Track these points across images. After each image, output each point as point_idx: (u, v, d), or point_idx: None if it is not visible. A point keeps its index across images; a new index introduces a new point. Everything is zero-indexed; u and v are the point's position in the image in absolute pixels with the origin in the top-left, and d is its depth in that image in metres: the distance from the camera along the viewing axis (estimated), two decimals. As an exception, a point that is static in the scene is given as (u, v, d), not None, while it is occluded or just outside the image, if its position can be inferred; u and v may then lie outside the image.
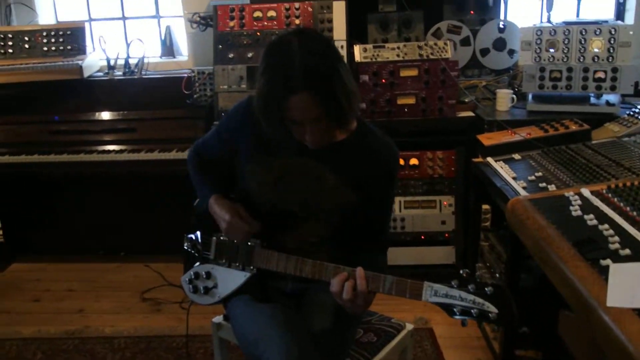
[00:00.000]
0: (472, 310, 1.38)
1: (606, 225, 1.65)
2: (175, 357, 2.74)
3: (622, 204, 1.76)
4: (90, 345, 2.86)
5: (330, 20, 3.28)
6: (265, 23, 3.29)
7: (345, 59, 3.20)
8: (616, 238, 1.58)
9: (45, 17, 4.00)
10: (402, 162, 3.23)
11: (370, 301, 1.55)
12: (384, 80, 3.12)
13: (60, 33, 3.64)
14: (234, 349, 2.46)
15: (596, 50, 2.92)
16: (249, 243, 1.76)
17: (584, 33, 2.92)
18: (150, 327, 3.02)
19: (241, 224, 1.74)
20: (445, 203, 3.27)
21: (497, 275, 2.59)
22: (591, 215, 1.72)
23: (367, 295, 1.52)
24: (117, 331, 2.98)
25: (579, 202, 1.84)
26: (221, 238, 1.84)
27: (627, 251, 1.50)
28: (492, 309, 1.36)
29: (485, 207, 2.98)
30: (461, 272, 1.42)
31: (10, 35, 3.63)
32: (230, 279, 1.81)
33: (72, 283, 3.56)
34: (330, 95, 1.51)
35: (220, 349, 2.04)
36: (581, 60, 2.94)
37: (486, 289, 1.38)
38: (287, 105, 1.50)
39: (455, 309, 1.40)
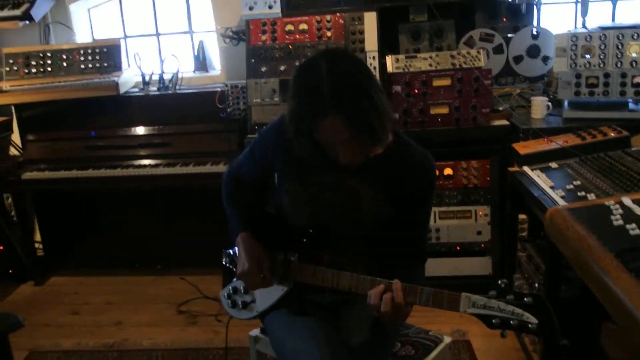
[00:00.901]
0: (511, 321, 1.36)
1: (649, 235, 1.61)
2: (212, 370, 2.76)
3: (665, 213, 1.72)
4: (128, 357, 2.90)
5: (361, 32, 3.28)
6: (297, 36, 3.31)
7: (377, 70, 3.22)
8: (660, 248, 1.54)
9: (82, 35, 4.10)
10: (436, 172, 3.20)
11: (408, 314, 1.54)
12: (416, 91, 3.11)
13: (97, 51, 3.72)
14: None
15: (634, 55, 2.86)
16: (288, 257, 1.76)
17: (620, 38, 2.87)
18: (186, 339, 3.05)
19: (256, 278, 1.76)
20: (480, 213, 3.23)
21: (536, 286, 2.54)
22: (633, 225, 1.68)
23: (405, 308, 1.51)
24: (155, 344, 3.01)
25: (621, 211, 1.80)
26: None
27: (672, 261, 1.47)
28: (532, 319, 1.34)
29: (522, 216, 2.93)
30: (499, 282, 1.40)
31: (49, 54, 3.72)
32: (268, 293, 1.81)
33: (110, 296, 3.61)
34: (360, 116, 1.51)
35: (257, 361, 2.04)
36: (618, 65, 2.88)
37: (525, 299, 1.36)
38: (317, 127, 1.52)
39: (494, 320, 1.38)
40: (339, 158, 1.62)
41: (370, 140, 1.57)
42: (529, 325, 1.34)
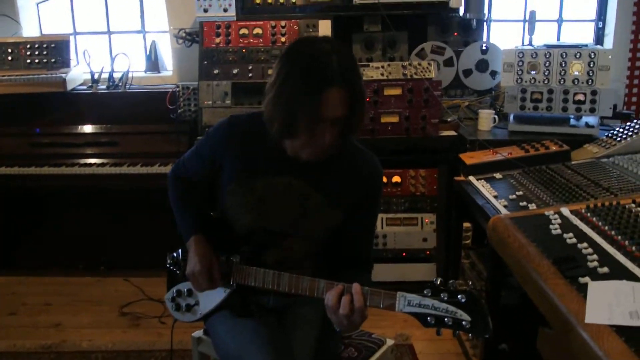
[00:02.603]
0: (445, 319, 1.37)
1: (585, 244, 1.68)
2: (154, 373, 2.72)
3: (600, 223, 1.79)
4: (67, 359, 2.81)
5: (315, 38, 3.30)
6: (251, 40, 3.31)
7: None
8: (595, 256, 1.60)
9: (29, 29, 3.98)
10: (385, 179, 3.23)
11: (366, 317, 1.51)
12: (368, 99, 3.14)
13: (45, 46, 3.63)
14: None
15: (576, 73, 2.98)
16: (230, 258, 1.75)
17: (564, 56, 2.99)
18: (128, 341, 2.98)
19: (204, 283, 1.74)
20: (427, 220, 3.29)
21: (478, 292, 2.60)
22: (571, 234, 1.75)
23: (364, 311, 1.49)
24: (95, 345, 2.94)
25: (559, 220, 1.87)
26: None
27: (605, 269, 1.53)
28: (466, 317, 1.35)
29: (466, 225, 3.01)
30: (434, 280, 1.41)
31: (-7, 47, 3.61)
32: (211, 295, 1.80)
33: (50, 297, 3.50)
34: (360, 96, 1.56)
35: (200, 363, 2.02)
36: (561, 82, 3.00)
37: (459, 296, 1.36)
38: (321, 99, 1.50)
39: (429, 318, 1.39)
40: (308, 150, 1.61)
41: (356, 124, 1.61)
42: (463, 323, 1.35)
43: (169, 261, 1.96)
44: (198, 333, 2.00)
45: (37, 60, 3.61)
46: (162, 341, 2.95)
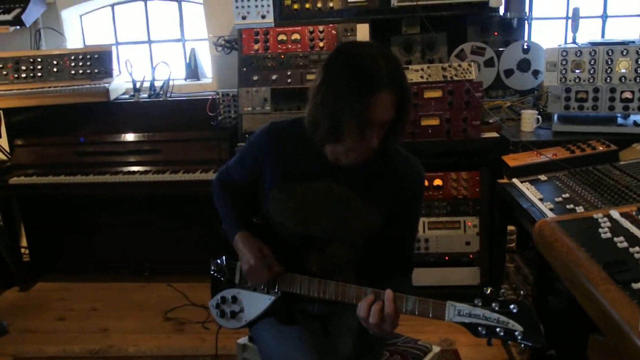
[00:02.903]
0: (497, 329, 1.35)
1: (637, 248, 1.62)
2: (199, 378, 2.74)
3: (652, 226, 1.73)
4: (114, 364, 2.87)
5: (353, 42, 3.29)
6: (290, 46, 3.32)
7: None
8: (647, 260, 1.55)
9: (73, 41, 4.09)
10: (426, 183, 3.21)
11: (397, 324, 1.52)
12: (408, 102, 3.12)
13: (88, 57, 3.72)
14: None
15: (623, 70, 2.89)
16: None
17: (610, 53, 2.90)
18: (173, 346, 3.03)
19: (263, 271, 1.73)
20: (469, 224, 3.24)
21: (522, 294, 2.55)
22: (621, 238, 1.70)
23: (394, 319, 1.49)
24: (140, 351, 2.99)
25: (609, 224, 1.82)
26: None
27: (659, 274, 1.48)
28: (518, 327, 1.33)
29: (510, 228, 2.96)
30: (485, 290, 1.39)
31: (39, 59, 3.71)
32: (255, 302, 1.80)
33: (96, 302, 3.58)
34: (407, 99, 1.56)
35: (244, 369, 2.03)
36: (608, 80, 2.92)
37: (510, 306, 1.35)
38: (370, 102, 1.50)
39: (480, 328, 1.37)
40: (351, 153, 1.61)
41: (402, 128, 1.61)
42: (515, 334, 1.33)
43: (212, 268, 1.97)
44: (243, 340, 2.01)
45: (81, 71, 3.70)
46: (206, 346, 2.98)
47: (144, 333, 3.20)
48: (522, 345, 1.32)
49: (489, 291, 1.38)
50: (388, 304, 1.48)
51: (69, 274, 3.95)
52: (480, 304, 1.37)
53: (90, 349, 3.01)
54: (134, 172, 3.50)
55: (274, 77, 3.31)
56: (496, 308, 1.35)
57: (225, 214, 1.89)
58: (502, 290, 1.37)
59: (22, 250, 3.98)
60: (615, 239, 1.70)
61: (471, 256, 3.26)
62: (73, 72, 3.71)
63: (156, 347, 3.01)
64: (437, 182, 3.23)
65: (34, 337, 3.19)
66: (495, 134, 3.19)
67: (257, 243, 1.77)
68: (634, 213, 1.85)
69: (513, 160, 2.72)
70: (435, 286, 3.18)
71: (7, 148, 3.84)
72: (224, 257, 1.93)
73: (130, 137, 3.63)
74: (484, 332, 1.36)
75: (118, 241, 3.89)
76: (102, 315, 3.43)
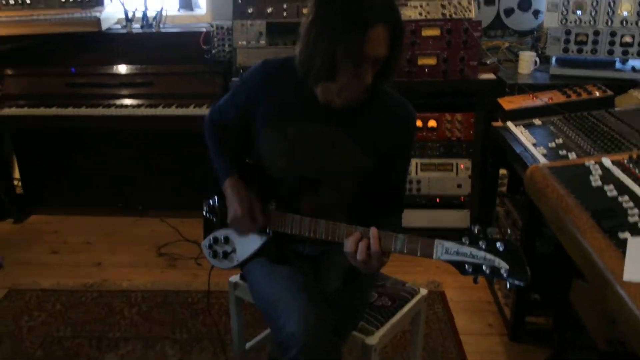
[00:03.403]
0: (483, 267, 1.36)
1: (626, 197, 1.63)
2: (191, 312, 2.79)
3: (643, 175, 1.74)
4: (108, 298, 2.92)
5: (351, -23, 3.20)
6: (287, -22, 3.22)
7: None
8: (636, 210, 1.56)
9: (63, -33, 3.95)
10: (420, 123, 3.20)
11: (384, 262, 1.54)
12: (405, 40, 3.06)
13: (78, -16, 3.60)
14: (248, 307, 2.51)
15: (625, 13, 2.83)
16: (267, 205, 1.76)
17: (613, -6, 2.84)
18: (166, 281, 3.07)
19: (248, 224, 1.76)
20: (462, 166, 3.25)
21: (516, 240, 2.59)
22: (611, 186, 1.70)
23: (381, 256, 1.51)
24: (134, 285, 3.03)
25: (600, 172, 1.82)
26: None
27: (646, 224, 1.49)
28: (504, 265, 1.33)
29: (502, 172, 2.96)
30: (472, 228, 1.39)
31: (27, -14, 3.59)
32: (247, 242, 1.82)
33: (90, 236, 3.61)
34: (400, 36, 1.53)
35: (236, 307, 2.07)
36: (609, 23, 2.86)
37: (497, 244, 1.34)
38: (365, 37, 1.47)
39: (466, 266, 1.38)
40: (343, 93, 1.59)
41: (393, 67, 1.58)
42: (501, 271, 1.34)
43: (205, 208, 1.98)
44: (234, 278, 2.04)
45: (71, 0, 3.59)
46: (199, 282, 3.03)
47: (138, 267, 3.24)
48: (508, 282, 1.34)
49: (476, 230, 1.38)
50: (373, 241, 1.50)
51: (62, 206, 3.95)
52: (467, 242, 1.38)
53: (84, 282, 3.05)
54: (126, 106, 3.45)
55: (269, 9, 3.23)
56: (483, 246, 1.36)
57: (216, 156, 1.89)
58: (490, 229, 1.38)
59: (15, 182, 3.97)
60: (605, 187, 1.71)
61: (462, 199, 3.28)
62: (63, 0, 3.60)
63: (149, 282, 3.06)
64: (432, 123, 3.21)
65: (29, 270, 3.22)
66: (492, 76, 3.16)
67: (246, 193, 1.78)
68: (625, 161, 1.85)
69: (509, 102, 2.70)
70: (425, 228, 3.21)
71: (-4, 78, 3.78)
72: (216, 198, 1.93)
73: (122, 69, 3.56)
74: (470, 269, 1.37)
75: (112, 175, 3.88)
76: (95, 249, 3.46)
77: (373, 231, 1.51)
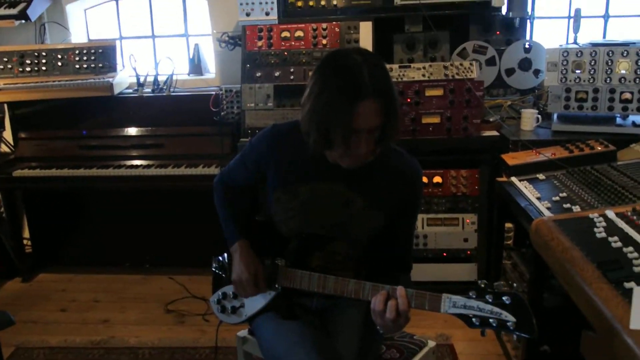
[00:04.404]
0: (490, 320, 1.38)
1: (631, 248, 1.65)
2: (199, 370, 2.78)
3: (647, 227, 1.76)
4: (115, 355, 2.91)
5: (357, 41, 3.32)
6: (293, 43, 3.35)
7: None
8: (641, 261, 1.58)
9: (77, 35, 4.11)
10: (425, 180, 3.24)
11: (408, 320, 1.55)
12: (409, 100, 3.15)
13: (92, 51, 3.75)
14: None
15: (623, 71, 2.91)
16: (275, 262, 1.79)
17: (610, 54, 2.92)
18: (174, 338, 3.06)
19: (251, 290, 1.80)
20: (467, 221, 3.28)
21: (522, 294, 2.58)
22: (616, 237, 1.72)
23: (409, 314, 1.52)
24: (142, 342, 3.02)
25: (604, 223, 1.84)
26: None
27: (651, 273, 1.50)
28: (510, 318, 1.36)
29: (508, 225, 2.98)
30: (479, 282, 1.43)
31: (44, 54, 3.74)
32: (256, 298, 1.84)
33: (98, 294, 3.62)
34: (392, 106, 1.57)
35: (244, 361, 2.07)
36: (608, 81, 2.94)
37: (504, 298, 1.38)
38: (355, 111, 1.52)
39: (474, 319, 1.41)
40: (348, 157, 1.63)
41: (392, 132, 1.62)
42: (508, 324, 1.36)
43: (214, 265, 2.01)
44: (243, 333, 2.04)
45: (85, 66, 3.73)
46: (206, 338, 3.02)
47: (145, 325, 3.24)
48: (515, 335, 1.36)
49: (483, 284, 1.41)
50: (402, 300, 1.51)
51: (71, 265, 3.99)
52: (474, 296, 1.41)
53: (92, 340, 3.05)
54: (136, 166, 3.53)
55: (277, 73, 3.34)
56: (490, 300, 1.39)
57: (225, 218, 1.93)
58: (496, 283, 1.41)
59: (25, 241, 4.02)
60: (610, 239, 1.73)
61: (469, 252, 3.30)
62: (77, 66, 3.74)
63: (157, 339, 3.05)
64: (437, 179, 3.26)
65: (37, 328, 3.23)
66: (495, 133, 3.22)
67: (254, 259, 1.82)
68: (629, 213, 1.87)
69: (512, 158, 2.75)
70: (433, 282, 3.22)
71: (11, 141, 3.88)
72: (225, 255, 1.96)
73: (133, 131, 3.66)
74: (477, 322, 1.40)
75: (120, 234, 3.92)
76: (103, 307, 3.46)
77: (401, 290, 1.52)
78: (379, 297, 1.53)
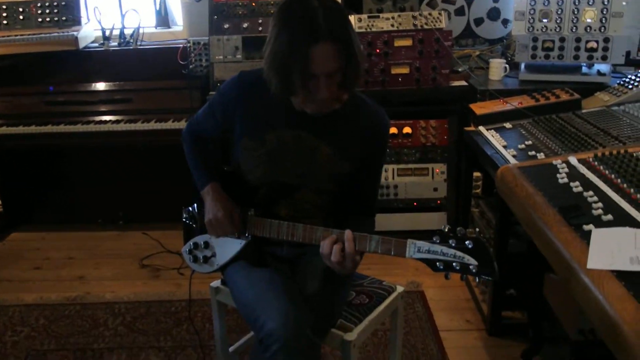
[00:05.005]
0: (453, 264, 1.44)
1: (591, 192, 1.70)
2: (175, 321, 2.82)
3: (607, 172, 1.81)
4: (92, 310, 2.93)
5: (324, -10, 3.28)
6: (260, -7, 3.30)
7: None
8: (600, 204, 1.63)
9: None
10: (395, 130, 3.28)
11: (358, 263, 1.61)
12: (378, 50, 3.15)
13: (55, 4, 3.63)
14: (230, 313, 2.54)
15: (589, 20, 2.94)
16: (245, 211, 1.81)
17: (577, 3, 2.95)
18: (149, 292, 3.09)
19: (228, 227, 1.82)
20: (437, 170, 3.33)
21: (487, 239, 2.66)
22: (577, 183, 1.78)
23: (355, 258, 1.58)
24: (117, 297, 3.05)
25: (566, 170, 1.90)
26: None
27: (609, 217, 1.56)
28: (472, 261, 1.42)
29: (476, 174, 3.04)
30: (443, 227, 1.48)
31: (4, 7, 3.61)
32: (227, 247, 1.87)
33: (72, 251, 3.62)
34: (350, 49, 1.56)
35: (218, 312, 2.10)
36: (574, 30, 2.97)
37: (466, 242, 1.43)
38: (310, 55, 1.52)
39: (438, 264, 1.46)
40: (312, 103, 1.64)
41: (354, 76, 1.62)
42: (470, 267, 1.42)
43: (185, 215, 2.02)
44: (216, 283, 2.07)
45: (48, 19, 3.62)
46: (182, 292, 3.06)
47: (121, 280, 3.26)
48: (477, 277, 1.41)
49: (447, 229, 1.46)
50: (348, 243, 1.57)
51: (44, 223, 3.97)
52: (438, 240, 1.46)
53: (67, 296, 3.06)
54: (105, 122, 3.49)
55: (245, 25, 3.30)
56: (453, 244, 1.44)
57: (195, 166, 1.94)
58: (459, 228, 1.45)
59: (-5, 201, 3.98)
60: (572, 184, 1.78)
61: (438, 202, 3.37)
62: (40, 19, 3.63)
63: (133, 293, 3.07)
64: (407, 129, 3.29)
65: (11, 286, 3.22)
66: (464, 83, 3.25)
67: (226, 199, 1.84)
68: (590, 159, 1.93)
69: (480, 108, 2.78)
70: (403, 231, 3.27)
71: (-26, 98, 3.79)
72: (195, 205, 1.98)
73: (101, 86, 3.60)
74: (441, 267, 1.45)
75: (92, 191, 3.90)
76: (78, 264, 3.47)
77: (348, 234, 1.58)
78: (327, 241, 1.59)
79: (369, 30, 3.14)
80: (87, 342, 2.68)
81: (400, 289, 2.02)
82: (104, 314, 2.89)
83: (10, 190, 3.99)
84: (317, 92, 1.60)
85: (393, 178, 3.33)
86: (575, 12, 2.97)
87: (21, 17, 3.62)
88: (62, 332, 2.77)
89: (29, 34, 3.53)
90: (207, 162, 1.94)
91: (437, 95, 3.24)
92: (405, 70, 3.17)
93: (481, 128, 2.64)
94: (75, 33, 3.50)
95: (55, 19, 3.62)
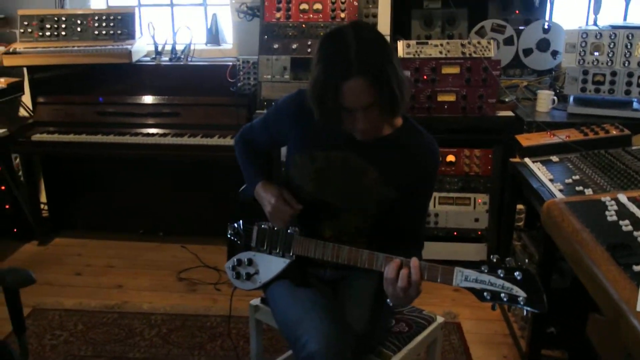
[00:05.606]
0: (501, 295, 1.41)
1: (641, 232, 1.67)
2: (209, 336, 2.83)
3: (658, 212, 1.77)
4: (128, 319, 2.97)
5: (375, 15, 3.32)
6: (311, 15, 3.35)
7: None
8: (650, 244, 1.59)
9: (97, 1, 4.12)
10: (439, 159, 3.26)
11: (420, 291, 1.58)
12: (425, 77, 3.15)
13: (111, 18, 3.75)
14: (265, 332, 2.55)
15: (642, 55, 2.90)
16: (289, 231, 1.83)
17: (630, 38, 2.90)
18: (185, 305, 3.12)
19: (285, 208, 1.80)
20: (479, 201, 3.29)
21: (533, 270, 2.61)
22: (627, 221, 1.74)
23: (420, 286, 1.56)
24: (154, 308, 3.09)
25: (615, 207, 1.86)
26: (262, 226, 1.91)
27: (660, 258, 1.52)
28: (521, 293, 1.38)
29: (519, 206, 2.99)
30: (491, 257, 1.45)
31: (63, 18, 3.75)
32: (270, 265, 1.87)
33: (112, 259, 3.68)
34: (384, 81, 1.56)
35: (256, 330, 2.11)
36: (626, 65, 2.93)
37: (515, 273, 1.40)
38: (342, 90, 1.54)
39: (485, 294, 1.43)
40: (355, 130, 1.66)
41: (391, 106, 1.61)
42: (518, 299, 1.39)
43: (230, 231, 2.04)
44: (255, 301, 2.08)
45: (104, 32, 3.74)
46: (217, 307, 3.08)
47: (158, 291, 3.30)
48: (525, 310, 1.38)
49: (495, 259, 1.44)
50: (414, 270, 1.55)
51: (86, 230, 4.05)
52: (486, 270, 1.44)
53: (106, 304, 3.12)
54: (153, 135, 3.56)
55: (294, 45, 3.34)
56: (501, 275, 1.41)
57: (247, 166, 1.99)
58: (508, 259, 1.43)
59: (42, 205, 4.08)
60: (621, 222, 1.74)
61: (479, 232, 3.32)
62: (96, 32, 3.75)
63: (169, 306, 3.11)
64: (450, 158, 3.27)
65: (52, 290, 3.29)
66: (510, 113, 3.22)
67: (276, 187, 1.86)
68: (641, 198, 1.89)
69: (526, 139, 2.75)
70: (443, 260, 3.19)
71: (29, 105, 3.92)
72: (240, 221, 2.00)
73: (150, 99, 3.69)
74: (489, 297, 1.43)
75: (134, 201, 3.97)
76: (117, 273, 3.53)
77: (414, 261, 1.56)
78: (392, 265, 1.57)
79: (416, 56, 3.15)
80: (123, 351, 2.72)
81: (440, 319, 2.00)
82: (140, 324, 2.93)
83: (56, 196, 4.09)
84: (356, 124, 1.62)
85: (434, 206, 3.30)
86: (628, 47, 2.92)
87: (79, 29, 3.74)
88: (99, 339, 2.81)
89: (85, 46, 3.65)
90: (258, 162, 1.99)
91: (483, 125, 3.21)
92: (451, 97, 3.17)
93: (527, 160, 2.61)
94: (129, 47, 3.59)
95: (111, 32, 3.73)
